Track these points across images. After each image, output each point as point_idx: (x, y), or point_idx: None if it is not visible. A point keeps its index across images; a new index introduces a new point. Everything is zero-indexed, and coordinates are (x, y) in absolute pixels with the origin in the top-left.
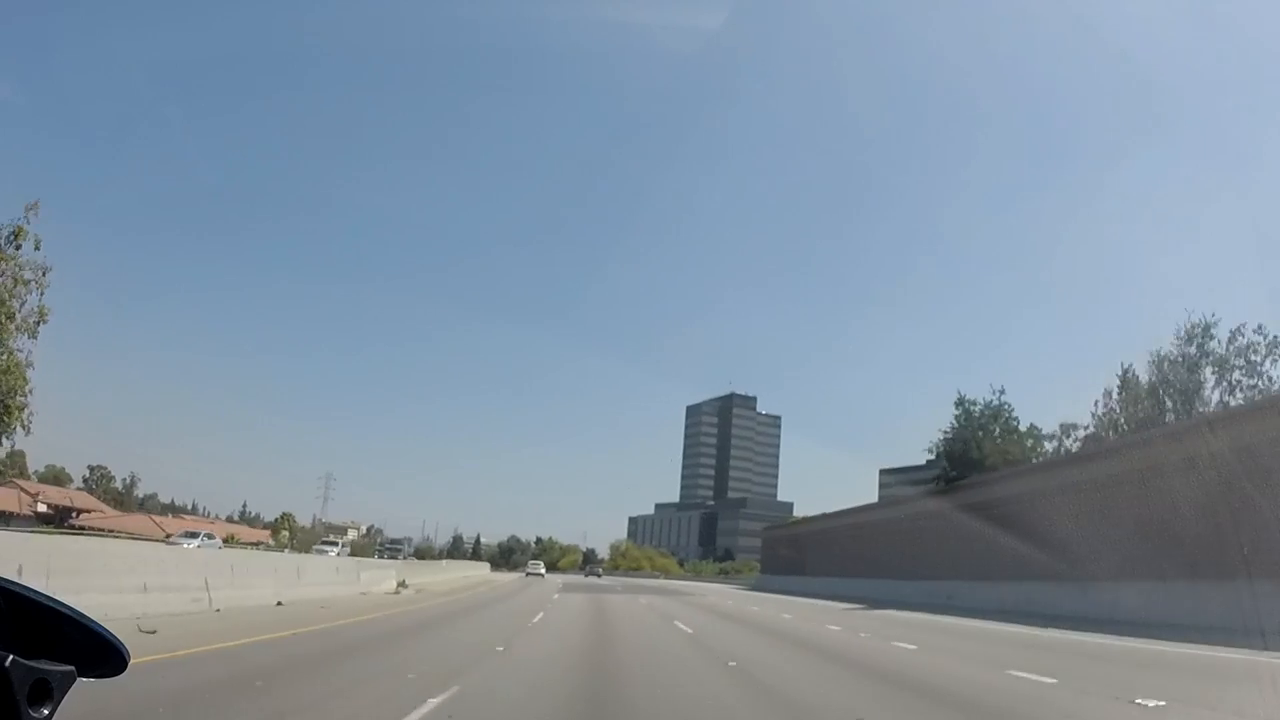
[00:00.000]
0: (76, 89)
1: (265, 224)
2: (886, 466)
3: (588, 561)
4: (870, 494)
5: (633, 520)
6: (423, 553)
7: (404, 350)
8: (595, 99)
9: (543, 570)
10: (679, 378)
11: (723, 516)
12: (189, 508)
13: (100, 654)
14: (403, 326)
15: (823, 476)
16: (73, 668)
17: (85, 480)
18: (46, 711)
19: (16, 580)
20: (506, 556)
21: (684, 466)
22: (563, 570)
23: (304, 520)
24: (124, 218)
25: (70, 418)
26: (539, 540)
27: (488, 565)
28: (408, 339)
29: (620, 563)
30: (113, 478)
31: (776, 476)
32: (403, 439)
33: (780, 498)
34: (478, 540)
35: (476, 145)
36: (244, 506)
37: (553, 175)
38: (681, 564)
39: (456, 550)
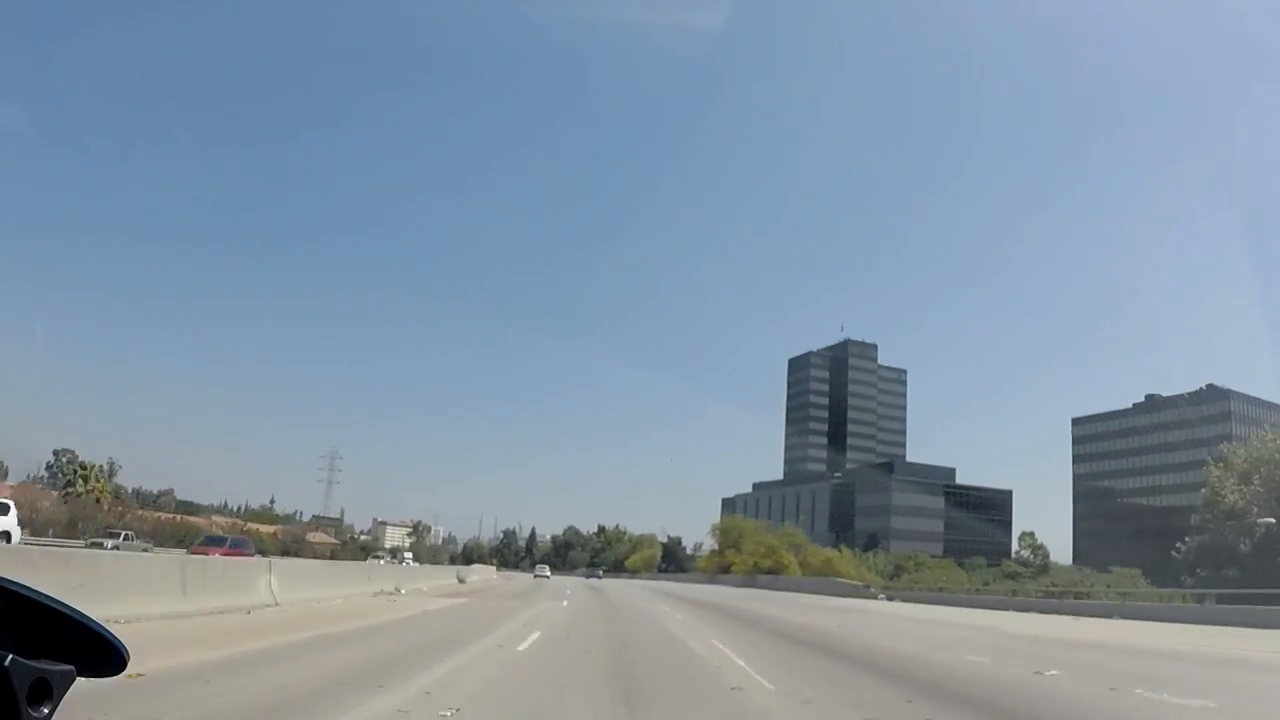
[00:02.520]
0: (97, 107)
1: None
2: (1080, 415)
3: (667, 557)
4: (1059, 449)
5: (728, 502)
6: (470, 551)
7: (468, 358)
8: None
9: (549, 573)
10: (774, 347)
11: (863, 489)
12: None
13: (100, 653)
14: (471, 335)
15: (966, 438)
16: (72, 667)
17: (49, 466)
18: (46, 710)
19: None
20: (562, 554)
21: (788, 435)
22: (631, 572)
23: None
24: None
25: (91, 417)
26: (601, 531)
27: (470, 570)
28: (473, 347)
29: (733, 559)
30: (82, 465)
31: (904, 441)
32: (462, 438)
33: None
34: (532, 536)
35: (535, 149)
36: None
37: (617, 168)
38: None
39: (507, 549)
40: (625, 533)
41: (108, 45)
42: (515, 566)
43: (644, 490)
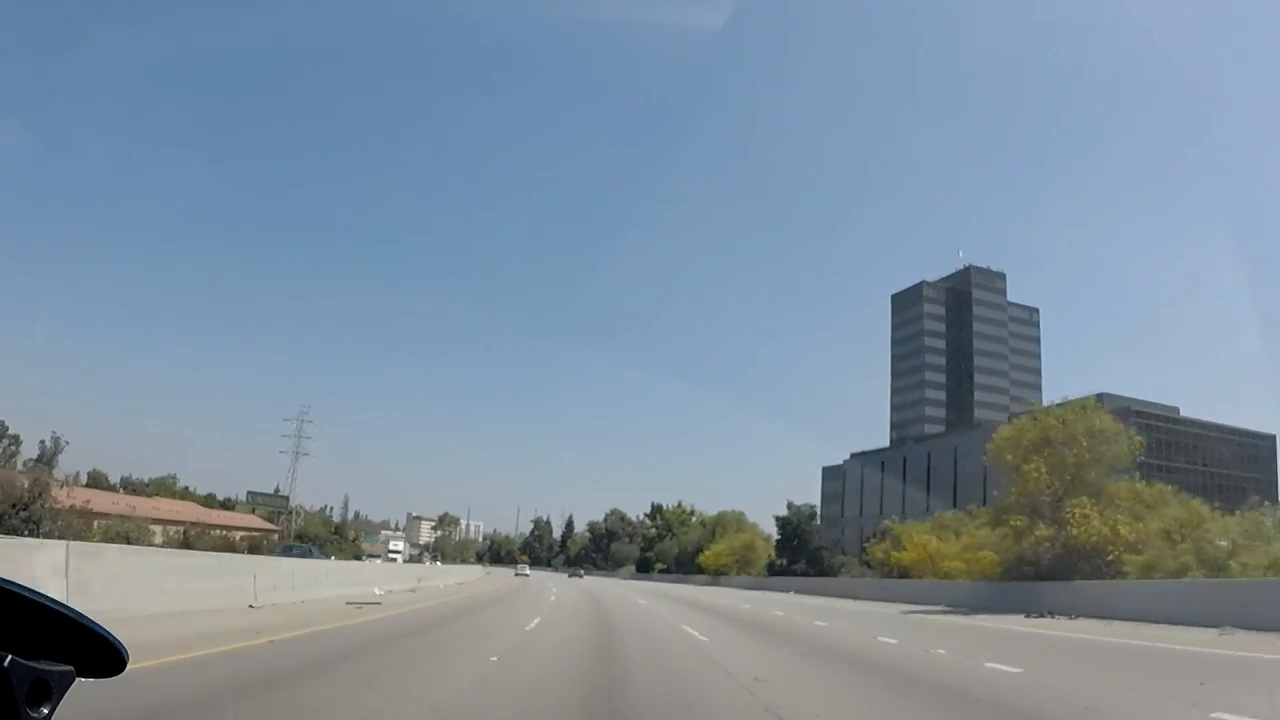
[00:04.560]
0: (101, 113)
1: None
2: None
3: (787, 544)
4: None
5: (829, 471)
6: (499, 546)
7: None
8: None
9: (529, 571)
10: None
11: None
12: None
13: (99, 654)
14: (498, 335)
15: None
16: (72, 668)
17: None
18: (46, 711)
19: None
20: (603, 547)
21: (894, 390)
22: (712, 573)
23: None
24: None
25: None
26: (655, 513)
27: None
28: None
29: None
30: (14, 439)
31: (1040, 394)
32: (496, 432)
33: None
34: (569, 526)
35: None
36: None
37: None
38: None
39: (539, 543)
40: (692, 513)
41: (114, 49)
42: (548, 564)
43: (710, 473)
